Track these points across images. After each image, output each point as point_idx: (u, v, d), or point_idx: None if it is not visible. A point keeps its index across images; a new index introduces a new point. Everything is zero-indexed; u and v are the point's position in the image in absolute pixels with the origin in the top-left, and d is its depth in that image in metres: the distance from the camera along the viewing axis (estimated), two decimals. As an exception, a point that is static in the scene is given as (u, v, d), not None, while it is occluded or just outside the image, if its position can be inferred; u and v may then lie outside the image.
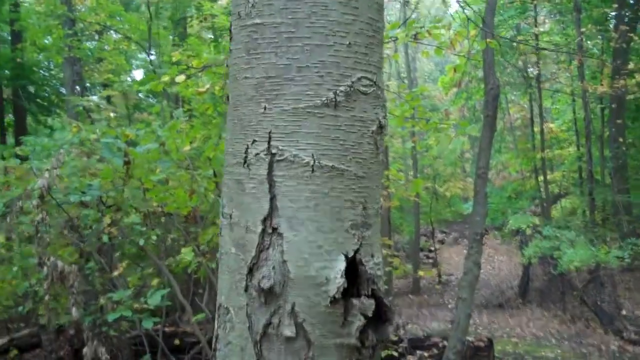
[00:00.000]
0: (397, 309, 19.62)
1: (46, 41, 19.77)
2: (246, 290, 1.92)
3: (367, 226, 1.92)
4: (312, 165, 1.83)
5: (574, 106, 22.53)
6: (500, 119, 23.14)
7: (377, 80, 2.02)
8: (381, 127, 1.99)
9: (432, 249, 29.58)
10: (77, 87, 17.42)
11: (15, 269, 8.08)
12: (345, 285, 1.83)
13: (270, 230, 1.86)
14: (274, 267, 1.83)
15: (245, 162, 1.93)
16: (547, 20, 24.02)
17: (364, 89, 1.93)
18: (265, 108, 1.90)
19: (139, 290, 8.38)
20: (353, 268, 1.89)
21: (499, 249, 30.88)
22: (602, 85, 18.92)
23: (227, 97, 2.11)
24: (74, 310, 6.98)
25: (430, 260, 29.43)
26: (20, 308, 8.36)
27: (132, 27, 18.65)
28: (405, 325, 16.21)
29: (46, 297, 7.18)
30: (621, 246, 16.63)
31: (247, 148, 1.93)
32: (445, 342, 11.78)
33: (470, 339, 11.17)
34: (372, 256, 1.94)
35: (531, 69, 22.98)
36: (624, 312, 17.33)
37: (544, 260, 19.30)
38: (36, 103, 21.65)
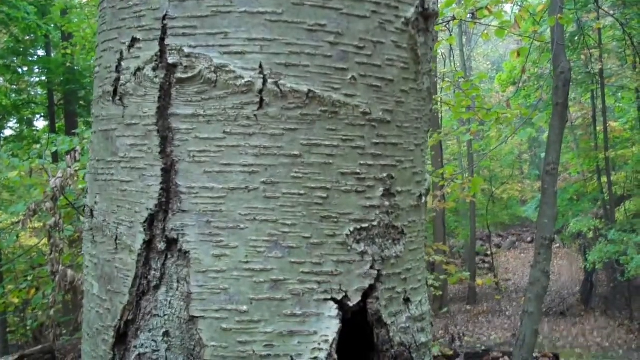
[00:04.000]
0: (451, 318, 18.93)
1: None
2: (114, 379, 0.94)
3: (396, 234, 0.94)
4: (262, 91, 0.88)
5: (639, 103, 21.55)
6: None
7: None
8: (426, 15, 0.96)
9: (489, 253, 28.87)
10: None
11: (30, 278, 7.56)
12: (341, 376, 0.86)
13: (162, 246, 0.90)
14: (166, 334, 0.86)
15: (115, 90, 0.95)
16: (613, 12, 22.84)
17: None
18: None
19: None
20: (360, 329, 0.91)
21: (558, 253, 30.15)
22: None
23: None
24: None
25: (487, 265, 28.99)
26: (29, 322, 7.76)
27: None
28: (462, 337, 15.31)
29: (51, 311, 6.50)
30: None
31: (121, 56, 0.96)
32: (505, 358, 10.92)
33: (533, 354, 10.17)
34: (408, 302, 0.95)
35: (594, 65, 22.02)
36: (703, 321, 16.60)
37: (608, 266, 19.23)
38: (87, 108, 22.25)
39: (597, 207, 24.28)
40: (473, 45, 33.01)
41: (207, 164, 0.90)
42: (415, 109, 0.97)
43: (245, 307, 0.88)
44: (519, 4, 10.26)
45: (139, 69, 0.93)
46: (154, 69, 0.91)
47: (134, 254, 0.94)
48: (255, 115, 0.88)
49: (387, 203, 0.92)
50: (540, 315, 8.03)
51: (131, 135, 0.94)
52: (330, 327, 0.86)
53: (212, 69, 0.89)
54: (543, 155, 28.42)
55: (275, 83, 0.88)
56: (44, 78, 20.42)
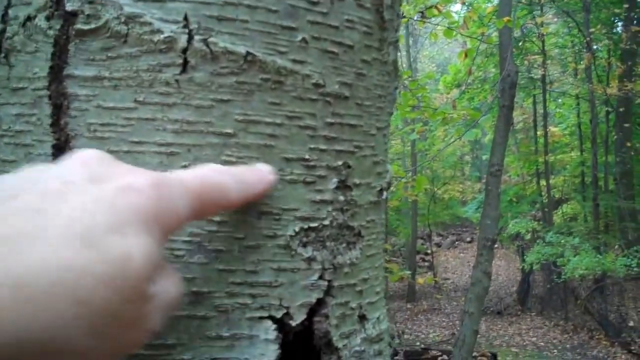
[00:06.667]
0: (391, 316, 18.99)
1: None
2: None
3: (351, 236, 0.75)
4: (186, 50, 0.66)
5: (579, 109, 22.15)
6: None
7: None
8: None
9: (429, 252, 29.21)
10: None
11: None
12: None
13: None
14: None
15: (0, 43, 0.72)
16: (556, 19, 23.30)
17: None
18: None
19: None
20: (303, 354, 0.70)
21: (497, 254, 30.64)
22: (611, 87, 18.40)
23: None
24: None
25: (426, 264, 29.31)
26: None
27: None
28: (401, 334, 15.32)
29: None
30: (627, 254, 16.33)
31: (9, 3, 0.72)
32: (444, 357, 10.93)
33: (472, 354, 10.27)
34: (363, 320, 0.77)
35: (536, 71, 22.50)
36: (631, 324, 16.83)
37: (544, 267, 19.24)
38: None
39: (536, 210, 24.84)
40: (419, 47, 33.23)
41: (112, 142, 0.67)
42: (378, 84, 0.77)
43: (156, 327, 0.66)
44: (468, 5, 10.30)
45: (29, 19, 0.70)
46: (48, 18, 0.69)
47: None
48: (176, 80, 0.67)
49: (341, 198, 0.71)
50: (480, 315, 8.03)
51: (17, 102, 0.72)
52: (265, 353, 0.66)
53: (122, 20, 0.66)
54: (484, 157, 28.68)
55: (204, 41, 0.67)
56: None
